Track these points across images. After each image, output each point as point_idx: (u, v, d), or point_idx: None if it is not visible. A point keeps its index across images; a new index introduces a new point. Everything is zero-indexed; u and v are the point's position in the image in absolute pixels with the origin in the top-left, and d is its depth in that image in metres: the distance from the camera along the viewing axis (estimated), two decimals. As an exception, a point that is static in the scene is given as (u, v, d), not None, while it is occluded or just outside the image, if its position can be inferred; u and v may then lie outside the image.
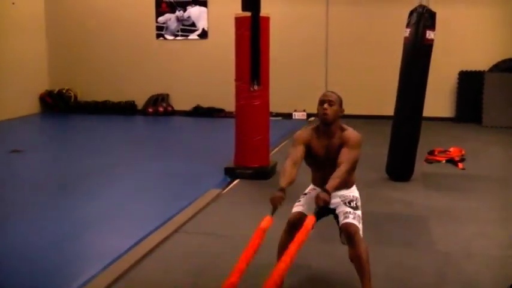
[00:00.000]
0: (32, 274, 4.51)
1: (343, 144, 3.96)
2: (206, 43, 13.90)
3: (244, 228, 5.57)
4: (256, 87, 7.46)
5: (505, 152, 9.57)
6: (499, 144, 10.12)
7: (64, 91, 14.42)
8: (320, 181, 4.07)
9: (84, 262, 4.82)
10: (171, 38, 14.14)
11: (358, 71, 12.81)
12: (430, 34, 7.07)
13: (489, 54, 12.28)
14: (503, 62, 12.20)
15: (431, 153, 8.77)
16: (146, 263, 4.74)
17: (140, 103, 14.30)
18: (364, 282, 3.91)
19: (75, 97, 14.55)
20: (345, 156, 3.89)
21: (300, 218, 3.95)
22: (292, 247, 3.51)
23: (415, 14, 7.09)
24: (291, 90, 13.04)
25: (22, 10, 13.65)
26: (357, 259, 3.89)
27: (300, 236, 3.60)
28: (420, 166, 7.97)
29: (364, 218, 4.02)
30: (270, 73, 7.76)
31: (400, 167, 7.51)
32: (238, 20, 7.47)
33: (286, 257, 3.45)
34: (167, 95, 14.25)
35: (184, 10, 13.94)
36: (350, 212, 3.97)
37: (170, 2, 13.98)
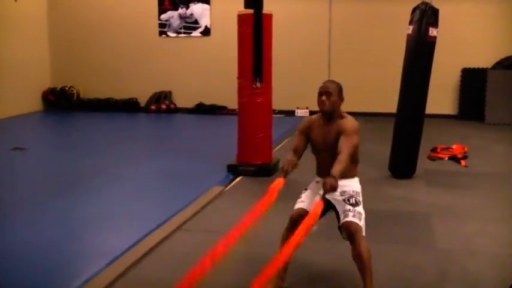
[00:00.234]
0: (33, 273, 4.50)
1: (340, 132, 3.97)
2: (209, 40, 13.90)
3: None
4: (258, 85, 7.45)
5: (508, 149, 9.56)
6: (502, 141, 10.11)
7: (67, 88, 14.43)
8: (320, 170, 4.10)
9: (86, 260, 4.82)
10: (174, 35, 14.14)
11: (360, 68, 12.79)
12: (432, 31, 7.06)
13: (492, 52, 12.26)
14: (506, 59, 12.17)
15: (433, 150, 8.76)
16: (148, 261, 4.74)
17: (143, 100, 14.30)
18: (366, 281, 3.90)
19: (78, 95, 14.56)
20: (344, 144, 3.89)
21: (302, 214, 3.95)
22: (301, 229, 3.51)
23: (418, 11, 7.08)
24: (294, 88, 13.03)
25: (24, 8, 13.66)
26: (358, 258, 3.89)
27: (308, 219, 3.61)
28: (423, 163, 7.96)
29: (366, 216, 4.00)
30: (273, 70, 7.76)
31: (402, 164, 7.50)
32: (241, 18, 7.47)
33: (294, 238, 3.43)
34: (170, 92, 14.25)
35: (187, 7, 13.94)
36: (350, 209, 3.96)
37: (173, -1, 14.01)
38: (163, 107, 13.99)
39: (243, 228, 3.39)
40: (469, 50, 12.48)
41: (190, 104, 14.04)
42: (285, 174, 3.95)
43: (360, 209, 3.99)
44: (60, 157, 9.20)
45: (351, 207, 3.97)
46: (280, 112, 12.75)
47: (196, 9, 13.91)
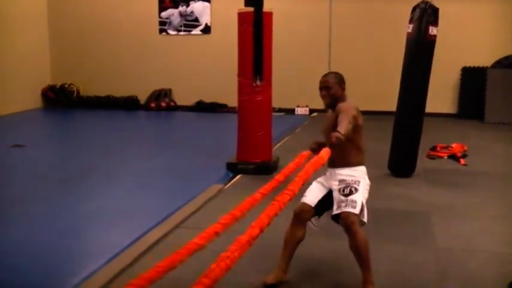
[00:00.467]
0: (32, 270, 4.51)
1: (337, 113, 4.01)
2: (209, 38, 13.90)
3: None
4: (258, 83, 7.45)
5: (507, 148, 9.56)
6: (501, 140, 10.12)
7: (66, 86, 14.43)
8: (329, 159, 4.03)
9: (85, 257, 4.82)
10: (174, 33, 14.14)
11: (360, 67, 12.79)
12: (432, 30, 7.05)
13: (492, 51, 12.26)
14: (506, 58, 12.17)
15: (433, 149, 8.77)
16: (147, 258, 4.74)
17: (143, 98, 14.31)
18: (364, 272, 3.96)
19: (78, 92, 14.57)
20: (340, 117, 3.91)
21: (305, 209, 3.98)
22: (307, 166, 3.54)
23: (418, 10, 7.08)
24: (294, 86, 13.04)
25: (25, 5, 13.68)
26: (355, 250, 3.93)
27: (315, 161, 3.60)
28: (422, 162, 7.96)
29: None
30: (273, 68, 7.76)
31: (402, 163, 7.50)
32: (241, 16, 7.47)
33: (300, 175, 3.47)
34: (170, 90, 14.26)
35: (188, 5, 13.94)
36: (343, 200, 3.98)
37: (173, -3, 14.00)
38: (163, 104, 14.00)
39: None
40: (469, 49, 12.48)
41: (190, 101, 14.04)
42: (313, 150, 4.09)
43: (354, 196, 3.98)
44: (60, 154, 9.22)
45: (343, 198, 3.98)
46: (280, 110, 12.77)
47: (196, 7, 13.92)
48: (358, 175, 4.12)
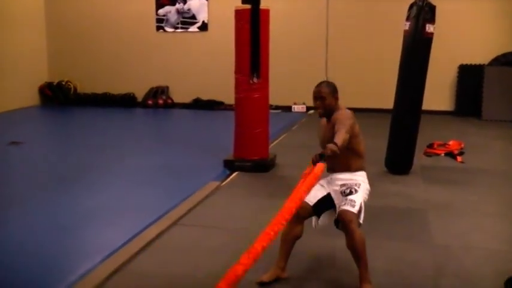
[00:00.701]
0: (29, 267, 4.50)
1: (334, 124, 4.04)
2: (206, 36, 13.88)
3: (243, 221, 5.59)
4: (255, 80, 7.45)
5: (504, 145, 9.57)
6: (499, 138, 10.13)
7: (63, 83, 14.41)
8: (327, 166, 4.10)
9: (82, 255, 4.81)
10: (171, 30, 14.12)
11: (357, 64, 12.79)
12: (429, 27, 7.06)
13: (489, 48, 12.26)
14: (503, 55, 12.18)
15: (430, 146, 8.77)
16: (144, 255, 4.74)
17: (140, 95, 14.29)
18: (361, 270, 3.98)
19: (75, 89, 14.54)
20: (337, 127, 3.96)
21: (304, 207, 4.00)
22: (302, 187, 3.62)
23: (415, 8, 7.08)
24: (291, 83, 13.03)
25: (22, 2, 13.65)
26: (352, 248, 3.96)
27: (309, 179, 3.68)
28: (419, 159, 7.98)
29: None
30: (270, 66, 7.75)
31: (399, 160, 7.51)
32: (238, 13, 7.46)
33: (295, 194, 3.54)
34: (167, 87, 14.24)
35: (185, 2, 13.92)
36: (342, 200, 4.04)
37: (170, -6, 13.98)
38: (161, 102, 13.98)
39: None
40: (466, 47, 12.48)
41: (187, 99, 14.02)
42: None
43: (353, 196, 4.03)
44: (57, 151, 9.21)
45: (343, 198, 4.04)
46: (277, 108, 12.76)
47: (193, 4, 13.89)
48: (359, 178, 4.17)
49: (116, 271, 4.37)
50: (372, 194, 4.22)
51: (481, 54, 12.32)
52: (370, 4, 12.81)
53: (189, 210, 5.91)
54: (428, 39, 7.12)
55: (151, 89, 14.18)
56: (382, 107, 11.36)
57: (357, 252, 3.94)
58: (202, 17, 13.88)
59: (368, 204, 4.14)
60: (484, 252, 4.86)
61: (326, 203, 4.14)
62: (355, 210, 3.96)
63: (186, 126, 12.12)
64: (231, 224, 5.56)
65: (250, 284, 4.04)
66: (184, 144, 9.37)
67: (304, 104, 13.12)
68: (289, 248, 4.18)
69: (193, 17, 13.93)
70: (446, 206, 6.15)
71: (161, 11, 14.09)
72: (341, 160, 4.01)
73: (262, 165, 7.56)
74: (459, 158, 8.28)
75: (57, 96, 14.36)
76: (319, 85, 4.21)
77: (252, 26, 7.32)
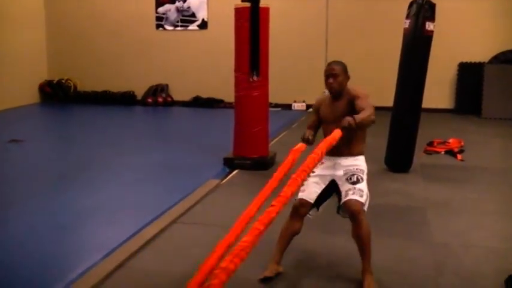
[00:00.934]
0: (29, 265, 4.51)
1: (352, 99, 4.12)
2: (206, 34, 13.87)
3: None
4: (255, 78, 7.45)
5: (504, 143, 9.56)
6: (498, 136, 10.12)
7: (63, 81, 14.41)
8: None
9: (82, 252, 4.81)
10: (171, 28, 14.12)
11: (357, 62, 12.70)
12: (429, 25, 7.05)
13: (489, 46, 12.26)
14: (503, 53, 12.17)
15: (430, 144, 8.77)
16: (144, 253, 4.74)
17: (140, 93, 14.29)
18: (364, 261, 4.03)
19: (75, 87, 14.54)
20: (363, 103, 4.06)
21: (304, 204, 4.00)
22: (321, 144, 3.70)
23: (414, 5, 7.07)
24: (291, 81, 13.04)
25: (22, 0, 13.63)
26: (358, 238, 4.00)
27: (327, 140, 3.78)
28: (419, 157, 7.97)
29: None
30: (270, 64, 7.75)
31: (399, 158, 7.51)
32: (238, 11, 7.45)
33: (315, 152, 3.60)
34: (167, 85, 14.23)
35: (184, 1, 13.91)
36: (350, 188, 4.03)
37: (170, -8, 13.97)
38: (160, 100, 13.98)
39: (268, 190, 3.55)
40: (466, 45, 12.47)
41: (187, 97, 14.03)
42: (307, 141, 4.09)
43: (361, 185, 4.06)
44: (57, 149, 9.21)
45: (351, 186, 4.04)
46: (277, 106, 12.76)
47: (193, 2, 13.88)
48: (361, 164, 4.22)
49: (115, 269, 4.37)
50: (371, 192, 4.22)
51: (481, 52, 12.31)
52: (370, 2, 12.81)
53: (189, 208, 5.91)
54: (428, 37, 7.11)
55: (151, 87, 14.18)
56: (382, 105, 11.27)
57: (363, 242, 3.98)
58: (201, 15, 13.88)
59: (368, 192, 4.14)
60: (484, 250, 4.86)
61: (324, 194, 4.16)
62: (363, 200, 4.00)
63: (186, 124, 12.13)
64: (231, 222, 5.52)
65: (247, 282, 4.05)
66: (184, 142, 9.37)
67: (304, 102, 13.13)
68: (286, 243, 4.21)
69: (193, 15, 13.93)
70: (446, 204, 6.15)
71: (161, 9, 14.08)
72: (348, 142, 4.07)
73: (262, 163, 7.56)
74: (459, 156, 8.28)
75: (57, 94, 14.36)
76: (331, 63, 4.28)
77: (252, 24, 7.31)
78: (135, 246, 4.81)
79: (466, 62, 12.48)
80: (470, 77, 12.36)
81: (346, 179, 4.08)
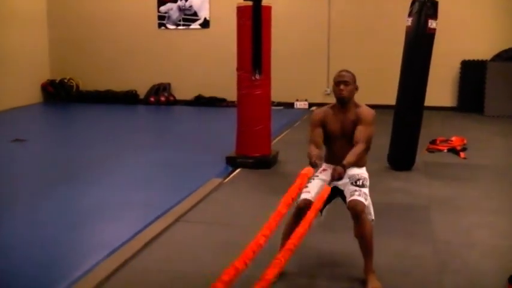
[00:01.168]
0: (33, 263, 4.52)
1: (357, 120, 4.18)
2: (208, 32, 13.87)
3: (245, 217, 5.60)
4: (257, 77, 7.45)
5: (507, 141, 9.55)
6: (501, 133, 10.11)
7: (66, 80, 14.41)
8: (334, 157, 4.20)
9: (86, 251, 4.82)
10: (173, 27, 14.12)
11: (360, 60, 12.74)
12: (432, 23, 7.05)
13: (492, 44, 12.24)
14: (506, 51, 12.15)
15: (433, 142, 8.77)
16: (148, 252, 4.75)
17: (142, 92, 14.28)
18: (366, 260, 4.07)
19: (77, 86, 14.54)
20: (361, 134, 4.13)
21: (308, 204, 4.01)
22: (308, 215, 3.63)
23: (417, 3, 7.06)
24: (293, 80, 13.01)
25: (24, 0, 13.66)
26: (361, 237, 4.04)
27: (315, 204, 3.76)
28: (422, 155, 7.96)
29: (366, 207, 4.04)
30: (272, 62, 7.75)
31: (401, 156, 7.51)
32: (240, 10, 7.46)
33: (301, 227, 3.52)
34: (169, 84, 14.23)
35: (186, 0, 13.91)
36: (356, 189, 4.09)
37: (172, -9, 13.97)
38: (163, 99, 13.97)
39: (279, 215, 3.52)
40: (468, 42, 12.45)
41: (189, 96, 14.02)
42: (315, 166, 4.05)
43: (366, 190, 4.12)
44: (60, 148, 9.21)
45: (357, 188, 4.10)
46: (279, 104, 12.74)
47: (195, 1, 13.88)
48: (365, 173, 4.27)
49: (120, 267, 4.38)
50: (374, 190, 4.24)
51: (483, 50, 12.29)
52: (372, 0, 12.79)
53: (192, 207, 5.91)
54: (430, 35, 7.11)
55: (153, 86, 14.18)
56: (384, 103, 11.33)
57: (365, 240, 4.02)
58: (204, 14, 13.87)
59: (371, 201, 4.15)
60: (486, 248, 4.87)
61: (329, 197, 4.16)
62: (366, 203, 4.05)
63: (188, 123, 12.12)
64: (233, 221, 5.56)
65: (251, 280, 4.05)
66: (186, 141, 9.38)
67: (306, 100, 13.12)
68: None
69: (195, 14, 13.92)
70: (448, 201, 6.15)
71: (163, 8, 14.08)
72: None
73: (265, 162, 7.57)
74: (462, 154, 8.27)
75: (60, 94, 14.36)
76: (343, 70, 4.31)
77: (254, 23, 7.32)
78: (139, 245, 4.82)
79: (469, 60, 12.47)
80: (472, 75, 12.34)
81: (351, 183, 4.13)
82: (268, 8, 7.49)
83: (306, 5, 13.20)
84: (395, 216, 5.67)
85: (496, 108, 11.82)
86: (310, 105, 12.98)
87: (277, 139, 9.13)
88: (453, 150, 8.47)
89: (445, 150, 8.52)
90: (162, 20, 14.11)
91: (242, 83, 7.60)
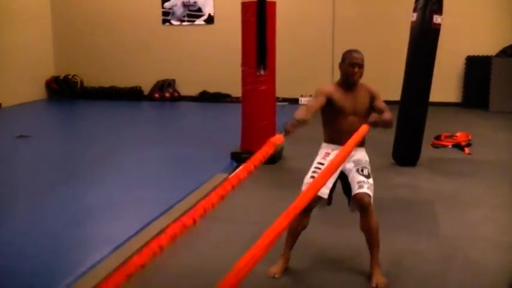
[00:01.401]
0: (36, 260, 4.53)
1: (372, 97, 4.28)
2: (212, 28, 13.87)
3: (250, 213, 5.60)
4: (262, 72, 7.45)
5: (512, 137, 9.55)
6: (506, 129, 10.09)
7: (70, 77, 14.43)
8: (340, 134, 4.15)
9: (90, 247, 4.83)
10: (177, 23, 14.12)
11: (364, 55, 12.73)
12: (437, 18, 7.03)
13: (497, 40, 12.20)
14: (511, 47, 12.12)
15: (437, 138, 8.76)
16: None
17: (146, 89, 14.30)
18: (373, 253, 4.08)
19: (81, 83, 14.57)
20: (382, 105, 4.24)
21: (316, 200, 3.97)
22: (350, 142, 3.75)
23: (422, -1, 7.06)
24: (298, 75, 13.01)
25: (28, -4, 13.69)
26: (368, 230, 4.04)
27: (354, 137, 3.84)
28: (426, 151, 7.96)
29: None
30: (277, 58, 7.75)
31: (406, 152, 7.51)
32: (245, 5, 7.45)
33: (346, 147, 3.66)
34: (173, 80, 14.24)
35: (190, -5, 13.92)
36: (364, 181, 4.05)
37: (176, -13, 13.97)
38: (167, 95, 13.99)
39: (237, 179, 3.39)
40: (473, 38, 12.43)
41: (194, 92, 14.03)
42: (285, 133, 4.12)
43: (371, 181, 4.10)
44: (64, 145, 9.23)
45: (364, 179, 4.06)
46: (284, 100, 12.75)
47: (199, -3, 13.90)
48: (366, 155, 4.27)
49: (124, 263, 4.38)
50: (379, 185, 4.23)
51: (488, 46, 12.27)
52: (376, -4, 12.80)
53: (197, 202, 5.90)
54: (435, 30, 7.10)
55: (158, 82, 14.20)
56: (389, 99, 11.24)
57: (372, 234, 4.03)
58: (208, 10, 13.87)
59: (375, 196, 4.14)
60: (491, 244, 4.87)
61: (334, 186, 4.17)
62: (371, 195, 4.03)
63: (193, 119, 12.13)
64: (238, 216, 5.57)
65: (256, 275, 4.06)
66: (191, 137, 9.38)
67: (311, 96, 13.10)
68: (295, 239, 4.21)
69: (199, 10, 13.92)
70: (453, 197, 6.15)
71: (167, 4, 14.08)
72: (355, 132, 4.04)
73: (269, 158, 7.55)
74: (467, 150, 8.27)
75: (64, 90, 14.40)
76: (355, 53, 4.32)
77: (259, 19, 7.31)
78: (144, 240, 4.82)
79: (474, 56, 12.45)
80: (477, 70, 12.32)
81: (357, 171, 4.10)
82: (273, 4, 7.49)
83: (310, 0, 13.18)
84: (399, 211, 5.68)
85: (501, 104, 11.80)
86: (315, 101, 12.95)
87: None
88: (458, 146, 8.46)
89: (450, 146, 8.51)
90: (167, 16, 14.12)
91: (247, 79, 7.60)
